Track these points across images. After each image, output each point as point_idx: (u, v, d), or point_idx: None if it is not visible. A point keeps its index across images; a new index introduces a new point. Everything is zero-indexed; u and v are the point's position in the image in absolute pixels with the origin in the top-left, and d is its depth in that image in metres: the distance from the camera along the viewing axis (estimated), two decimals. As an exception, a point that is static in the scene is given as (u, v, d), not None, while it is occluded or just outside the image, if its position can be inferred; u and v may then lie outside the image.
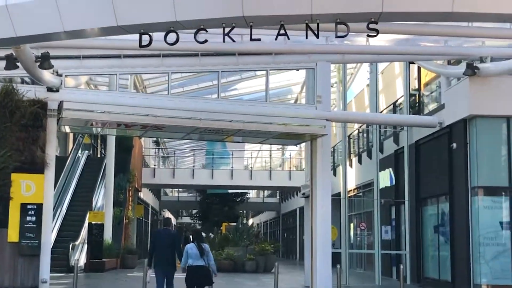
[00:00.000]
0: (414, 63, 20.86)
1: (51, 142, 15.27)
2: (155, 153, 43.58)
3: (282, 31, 10.02)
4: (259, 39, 10.30)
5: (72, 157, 29.92)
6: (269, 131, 16.79)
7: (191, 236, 15.48)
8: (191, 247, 12.03)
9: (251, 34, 10.10)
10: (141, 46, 10.41)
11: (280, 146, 49.05)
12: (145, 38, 10.35)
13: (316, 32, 10.00)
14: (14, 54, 12.61)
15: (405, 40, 15.21)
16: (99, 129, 17.87)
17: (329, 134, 17.60)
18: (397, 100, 23.60)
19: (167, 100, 16.20)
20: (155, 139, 46.24)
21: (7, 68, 12.95)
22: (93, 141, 35.28)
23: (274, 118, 16.49)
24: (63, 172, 27.41)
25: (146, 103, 16.05)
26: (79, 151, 31.39)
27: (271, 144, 27.35)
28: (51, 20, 10.11)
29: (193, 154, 47.23)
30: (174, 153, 46.19)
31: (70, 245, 22.69)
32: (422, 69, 21.22)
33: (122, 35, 12.93)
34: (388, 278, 22.47)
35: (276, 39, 10.15)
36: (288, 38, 10.13)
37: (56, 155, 29.09)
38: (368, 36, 10.42)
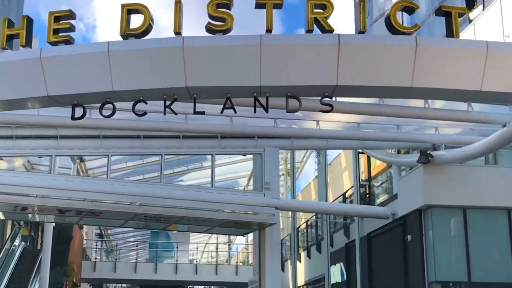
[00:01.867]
0: (364, 153, 20.19)
1: None
2: (96, 245, 41.53)
3: (228, 104, 9.08)
4: (203, 112, 9.34)
5: (7, 249, 27.84)
6: (215, 218, 15.98)
7: None
8: None
9: (194, 106, 9.13)
10: (73, 118, 9.36)
11: (226, 240, 47.86)
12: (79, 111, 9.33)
13: (265, 105, 9.07)
14: None
15: (356, 125, 14.58)
16: (31, 215, 16.80)
17: (278, 224, 16.61)
18: (346, 191, 22.77)
19: (105, 184, 15.44)
20: (98, 231, 44.57)
21: None
22: (32, 232, 33.65)
23: (220, 205, 15.71)
24: None
25: (83, 187, 15.17)
26: (15, 243, 29.35)
27: (217, 233, 26.07)
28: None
29: (136, 246, 45.46)
30: (117, 246, 44.34)
31: None
32: (372, 160, 20.53)
33: (58, 112, 11.97)
34: None
35: (222, 112, 9.17)
36: (235, 112, 9.16)
37: None
38: (322, 111, 9.52)
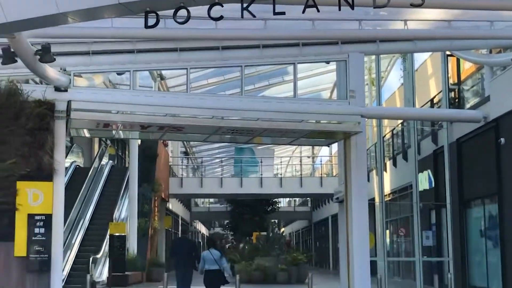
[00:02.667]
0: (453, 56, 19.01)
1: (59, 146, 13.49)
2: (182, 162, 42.15)
3: (310, 2, 8.31)
4: (283, 12, 8.60)
5: (95, 167, 28.89)
6: (299, 129, 15.12)
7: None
8: (206, 254, 13.93)
9: (274, 6, 8.42)
10: (146, 26, 8.79)
11: (310, 153, 47.66)
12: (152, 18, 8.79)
13: (350, 2, 8.26)
14: (11, 47, 11.07)
15: (446, 24, 13.48)
16: (114, 132, 16.37)
17: (364, 132, 15.81)
18: (434, 97, 21.70)
19: (186, 99, 14.66)
20: (183, 149, 45.23)
21: (4, 62, 11.36)
22: (118, 151, 34.41)
23: (304, 115, 14.82)
24: (85, 182, 26.44)
25: (163, 102, 14.51)
26: (103, 161, 30.34)
27: (301, 145, 25.57)
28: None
29: (222, 163, 45.96)
30: (202, 163, 44.94)
31: (91, 259, 21.14)
32: (461, 63, 19.35)
33: (133, 23, 11.53)
34: (429, 287, 20.54)
35: (303, 11, 8.41)
36: (318, 11, 8.34)
37: (79, 166, 28.81)
38: (412, 5, 8.63)
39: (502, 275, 15.90)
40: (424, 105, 22.42)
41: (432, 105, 21.65)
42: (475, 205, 18.25)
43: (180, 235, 30.39)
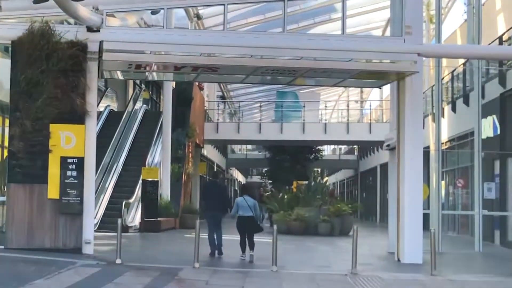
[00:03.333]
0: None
1: (92, 88, 13.84)
2: (218, 107, 41.83)
3: None
4: None
5: (129, 111, 29.45)
6: (347, 69, 14.60)
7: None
8: (241, 200, 14.86)
9: None
10: None
11: (359, 98, 46.82)
12: None
13: None
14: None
15: None
16: (148, 73, 16.41)
17: (421, 72, 15.13)
18: (503, 34, 20.71)
19: (222, 37, 14.48)
20: (220, 93, 44.89)
21: (35, 1, 11.45)
22: (153, 95, 34.57)
23: (353, 53, 14.30)
24: (119, 127, 27.17)
25: (198, 41, 14.28)
26: (137, 105, 30.90)
27: (348, 86, 24.86)
28: None
29: (261, 107, 45.41)
30: (239, 107, 44.45)
31: (123, 203, 21.80)
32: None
33: None
34: (489, 243, 20.02)
35: None
36: None
37: (113, 110, 29.10)
38: None
39: None
40: (491, 43, 21.42)
41: (500, 43, 20.65)
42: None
43: (210, 179, 30.67)
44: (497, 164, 20.69)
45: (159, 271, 11.87)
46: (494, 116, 20.58)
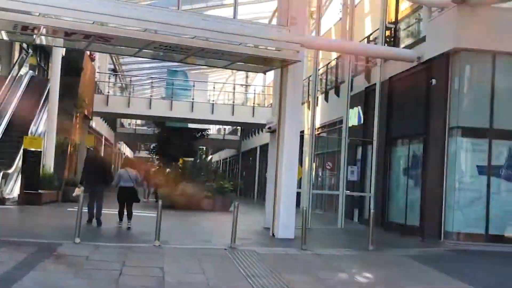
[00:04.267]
0: (393, -7, 19.18)
1: None
2: (109, 79, 40.90)
3: None
4: None
5: (13, 76, 26.72)
6: (237, 52, 14.78)
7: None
8: (123, 172, 15.72)
9: None
10: None
11: (244, 82, 47.49)
12: None
13: None
14: None
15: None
16: (35, 37, 15.04)
17: (302, 61, 15.88)
18: (371, 34, 21.92)
19: (117, 7, 13.60)
20: (112, 66, 43.94)
21: None
22: (41, 61, 32.48)
23: (243, 38, 14.52)
24: (0, 92, 24.79)
25: (91, 8, 13.29)
26: (22, 70, 28.13)
27: (237, 69, 25.13)
28: None
29: (152, 83, 44.96)
30: (131, 82, 43.77)
31: (1, 174, 20.03)
32: (400, 1, 19.53)
33: None
34: (349, 220, 21.23)
35: None
36: None
37: None
38: None
39: (420, 212, 16.61)
40: (361, 41, 22.64)
41: (368, 43, 21.87)
42: (401, 144, 18.81)
43: (89, 152, 28.98)
44: (359, 150, 21.89)
45: (37, 246, 11.08)
46: (359, 107, 21.76)
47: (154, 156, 51.20)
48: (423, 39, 17.02)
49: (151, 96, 41.75)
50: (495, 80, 15.23)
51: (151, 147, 53.54)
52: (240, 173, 52.99)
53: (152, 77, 44.78)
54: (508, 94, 15.36)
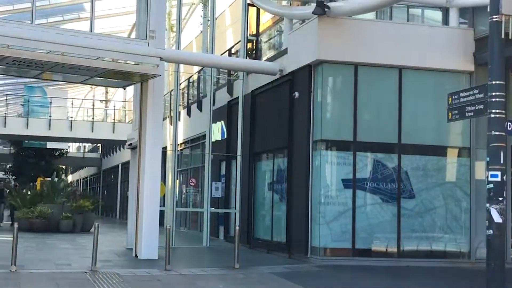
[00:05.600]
0: (254, 5, 18.55)
1: None
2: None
3: None
4: None
5: None
6: (94, 67, 14.03)
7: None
8: None
9: None
10: None
11: (104, 98, 45.69)
12: None
13: None
14: None
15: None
16: None
17: (163, 76, 15.09)
18: (232, 47, 21.24)
19: None
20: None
21: None
22: None
23: (100, 52, 13.85)
24: None
25: None
26: None
27: (95, 84, 23.92)
28: None
29: (6, 100, 42.26)
30: (-16, 99, 40.94)
31: None
32: (261, 13, 18.98)
33: None
34: (215, 238, 20.41)
35: None
36: None
37: None
38: None
39: (286, 228, 15.94)
40: (223, 54, 21.89)
41: (230, 55, 21.18)
42: (266, 158, 18.17)
43: None
44: (223, 165, 21.10)
45: None
46: (222, 121, 20.98)
47: (11, 177, 48.31)
48: (285, 52, 16.49)
49: (5, 114, 39.08)
50: (358, 92, 14.86)
51: (7, 167, 50.49)
52: (101, 191, 51.08)
53: (6, 94, 42.04)
54: (371, 106, 15.07)
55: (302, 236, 14.85)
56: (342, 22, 14.48)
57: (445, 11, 15.79)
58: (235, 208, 19.10)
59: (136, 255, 15.09)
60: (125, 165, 36.31)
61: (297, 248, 15.08)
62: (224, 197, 20.66)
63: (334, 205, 14.67)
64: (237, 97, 19.39)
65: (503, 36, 9.85)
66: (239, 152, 18.97)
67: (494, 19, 9.89)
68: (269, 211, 17.45)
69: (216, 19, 20.60)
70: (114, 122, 36.95)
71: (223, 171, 21.19)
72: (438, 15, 16.08)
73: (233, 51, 21.36)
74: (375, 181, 14.75)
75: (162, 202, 19.76)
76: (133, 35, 24.43)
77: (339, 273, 13.13)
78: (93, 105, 40.41)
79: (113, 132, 34.84)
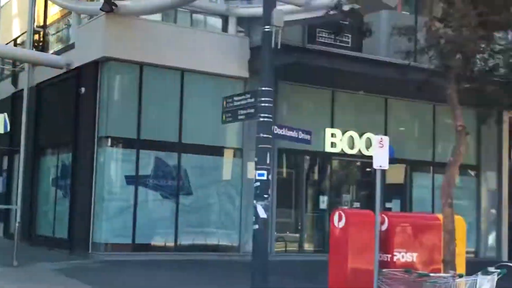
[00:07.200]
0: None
1: None
2: None
3: None
4: None
5: None
6: None
7: None
8: None
9: None
10: None
11: None
12: None
13: None
14: None
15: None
16: None
17: None
18: (18, 37, 20.40)
19: None
20: None
21: None
22: None
23: None
24: None
25: None
26: None
27: None
28: None
29: None
30: None
31: None
32: (49, 4, 18.51)
33: None
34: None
35: None
36: None
37: None
38: None
39: (68, 224, 15.76)
40: (8, 44, 20.93)
41: (15, 45, 20.31)
42: (51, 154, 17.76)
43: None
44: (5, 160, 20.23)
45: None
46: (5, 114, 20.03)
47: None
48: (73, 46, 16.26)
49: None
50: (143, 91, 15.08)
51: None
52: None
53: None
54: (155, 105, 15.33)
55: (84, 232, 14.79)
56: (129, 21, 14.62)
57: (225, 19, 16.44)
58: (17, 204, 18.38)
59: None
60: None
61: (79, 245, 14.98)
62: (5, 192, 19.78)
63: (117, 201, 14.81)
64: (22, 89, 18.70)
65: (273, 45, 10.56)
66: (22, 146, 18.28)
67: (266, 29, 10.59)
68: (52, 207, 17.11)
69: (2, 7, 19.70)
70: None
71: (5, 166, 20.31)
72: (219, 22, 16.71)
73: (19, 41, 20.51)
74: (156, 178, 15.11)
75: None
76: None
77: (119, 268, 13.25)
78: None
79: None
